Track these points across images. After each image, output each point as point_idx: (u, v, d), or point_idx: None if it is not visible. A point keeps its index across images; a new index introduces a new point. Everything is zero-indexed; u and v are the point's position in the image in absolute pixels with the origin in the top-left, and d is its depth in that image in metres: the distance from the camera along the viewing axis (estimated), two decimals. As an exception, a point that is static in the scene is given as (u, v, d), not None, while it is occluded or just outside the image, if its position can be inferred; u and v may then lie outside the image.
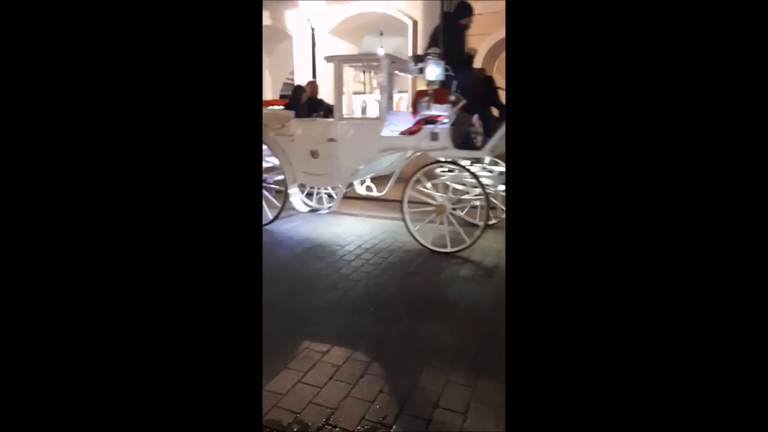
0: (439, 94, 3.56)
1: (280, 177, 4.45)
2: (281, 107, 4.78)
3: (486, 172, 4.11)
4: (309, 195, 4.84)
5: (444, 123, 3.69)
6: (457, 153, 3.68)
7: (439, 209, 3.67)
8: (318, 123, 4.18)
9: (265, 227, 4.27)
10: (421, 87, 3.81)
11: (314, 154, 4.12)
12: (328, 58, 3.95)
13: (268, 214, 4.35)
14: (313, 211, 4.41)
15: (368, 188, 4.63)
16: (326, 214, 4.71)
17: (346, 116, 4.39)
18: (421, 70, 3.71)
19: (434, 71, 3.47)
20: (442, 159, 3.75)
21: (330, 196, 4.97)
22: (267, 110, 4.34)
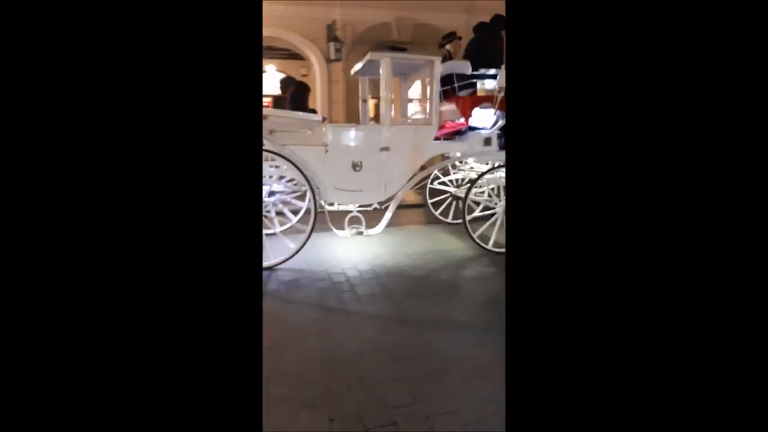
0: (505, 101, 3.71)
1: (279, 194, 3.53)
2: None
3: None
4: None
5: (494, 128, 3.85)
6: (503, 156, 3.91)
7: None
8: (363, 129, 3.53)
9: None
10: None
11: (356, 166, 3.49)
12: (376, 55, 3.40)
13: (290, 244, 3.37)
14: (359, 233, 3.65)
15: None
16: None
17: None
18: (479, 77, 3.75)
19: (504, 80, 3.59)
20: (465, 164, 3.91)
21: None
22: (291, 114, 3.31)
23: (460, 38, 4.33)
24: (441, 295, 2.86)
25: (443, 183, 4.81)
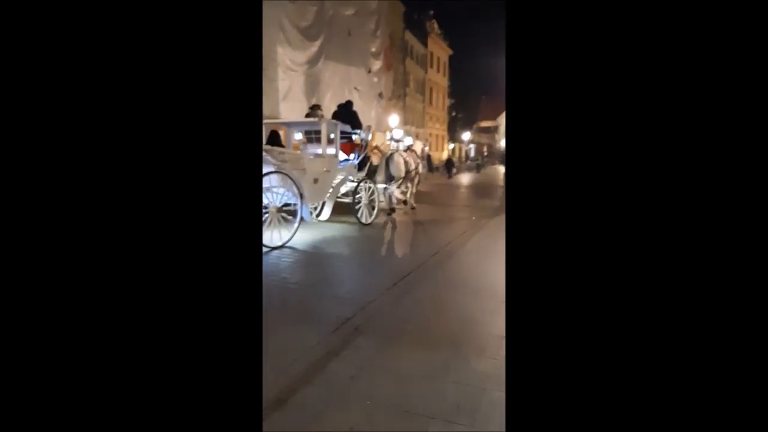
0: (365, 148, 7.17)
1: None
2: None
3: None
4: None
5: (357, 160, 7.24)
6: (361, 174, 7.36)
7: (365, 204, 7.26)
8: (318, 159, 6.20)
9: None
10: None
11: (316, 181, 6.23)
12: (322, 120, 6.21)
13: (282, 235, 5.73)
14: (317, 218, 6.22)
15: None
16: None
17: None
18: (353, 133, 7.06)
19: (369, 136, 7.07)
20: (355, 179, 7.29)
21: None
22: (295, 153, 5.72)
23: (321, 108, 7.50)
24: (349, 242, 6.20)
25: None
